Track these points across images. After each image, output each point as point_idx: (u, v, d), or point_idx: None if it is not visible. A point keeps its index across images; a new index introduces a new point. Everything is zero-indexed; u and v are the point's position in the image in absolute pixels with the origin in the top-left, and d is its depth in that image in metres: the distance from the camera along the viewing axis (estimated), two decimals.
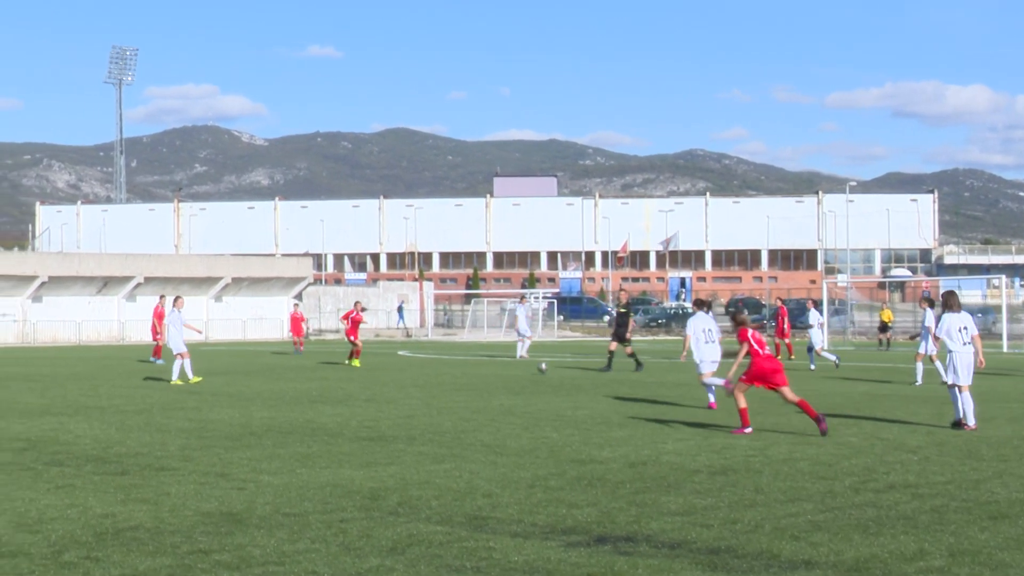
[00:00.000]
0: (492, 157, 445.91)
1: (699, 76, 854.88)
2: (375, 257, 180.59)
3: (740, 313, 19.77)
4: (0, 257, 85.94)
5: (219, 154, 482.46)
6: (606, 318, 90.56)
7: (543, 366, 33.68)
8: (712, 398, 21.79)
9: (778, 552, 9.12)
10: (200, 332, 42.10)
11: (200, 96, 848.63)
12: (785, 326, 41.12)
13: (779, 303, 44.24)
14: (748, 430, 17.56)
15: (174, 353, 29.92)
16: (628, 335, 35.52)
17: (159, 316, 42.45)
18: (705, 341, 21.96)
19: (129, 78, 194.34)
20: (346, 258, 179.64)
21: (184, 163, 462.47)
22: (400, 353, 51.27)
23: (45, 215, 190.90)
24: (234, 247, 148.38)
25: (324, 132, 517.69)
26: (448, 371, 36.02)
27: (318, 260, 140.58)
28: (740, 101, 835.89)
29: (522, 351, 43.70)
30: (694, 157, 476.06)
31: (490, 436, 17.08)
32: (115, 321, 79.65)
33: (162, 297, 44.86)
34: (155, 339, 43.76)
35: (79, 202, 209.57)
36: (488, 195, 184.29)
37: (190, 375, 29.49)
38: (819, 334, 37.20)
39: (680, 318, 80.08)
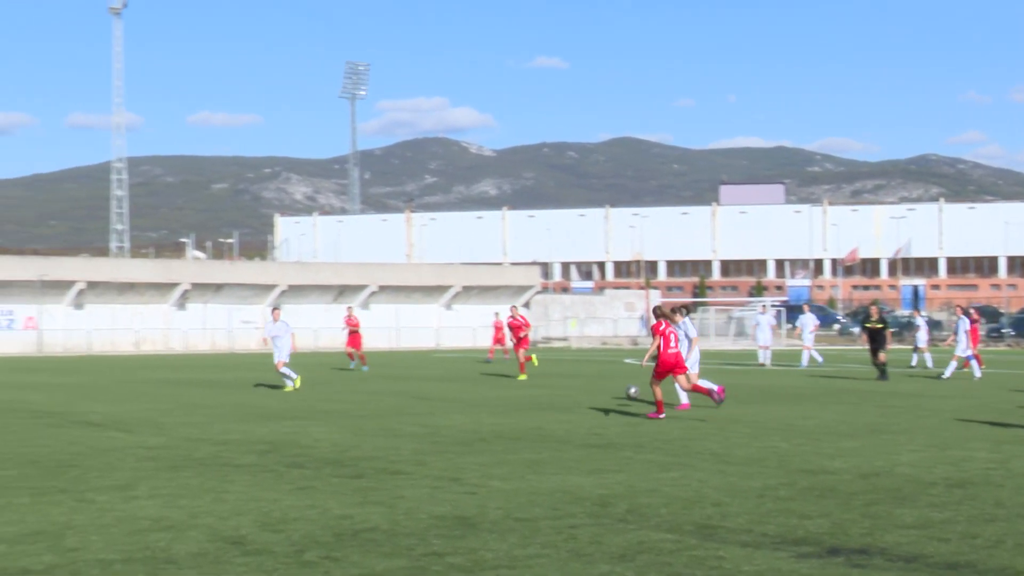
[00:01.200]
0: (718, 165, 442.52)
1: (932, 79, 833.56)
2: (601, 265, 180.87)
3: (659, 308, 22.37)
4: (243, 267, 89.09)
5: (449, 165, 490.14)
6: (835, 326, 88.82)
7: (633, 390, 28.54)
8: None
9: (1021, 569, 8.78)
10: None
11: (430, 109, 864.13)
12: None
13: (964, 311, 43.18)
14: (662, 415, 20.80)
15: (276, 361, 30.79)
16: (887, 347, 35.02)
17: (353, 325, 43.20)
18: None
19: (362, 93, 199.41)
20: (572, 266, 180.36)
21: (415, 174, 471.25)
22: (627, 361, 51.21)
23: (284, 226, 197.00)
24: (463, 256, 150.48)
25: (550, 142, 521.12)
26: None
27: (545, 268, 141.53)
28: (976, 103, 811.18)
29: (764, 358, 43.92)
30: (927, 162, 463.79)
31: (717, 445, 16.91)
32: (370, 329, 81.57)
33: (350, 308, 46.50)
34: (352, 348, 43.93)
35: (316, 213, 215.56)
36: (714, 203, 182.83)
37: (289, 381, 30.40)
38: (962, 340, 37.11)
39: (911, 327, 78.16)
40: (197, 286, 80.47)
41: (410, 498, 11.97)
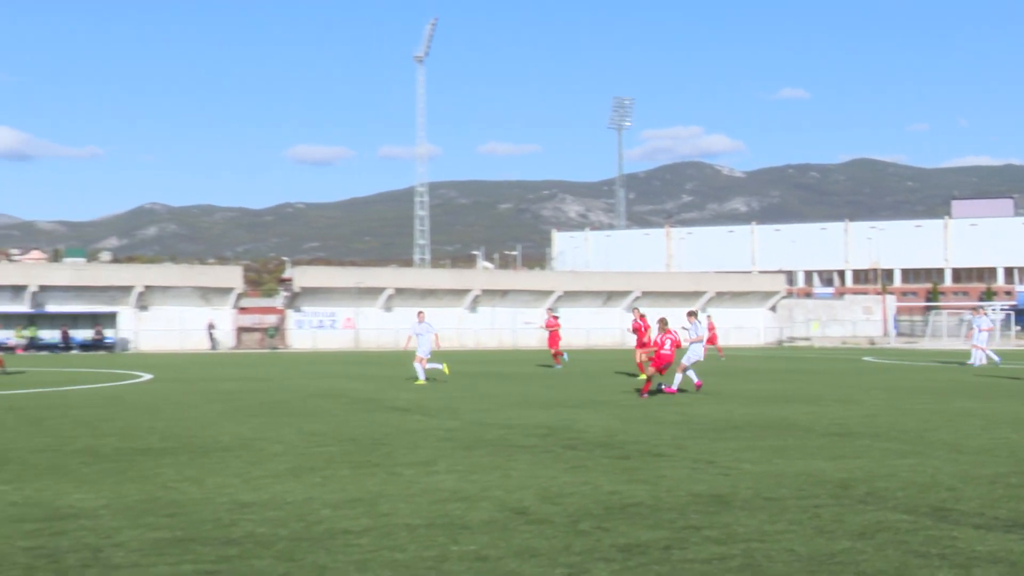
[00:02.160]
0: (950, 182, 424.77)
1: None
2: (841, 273, 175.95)
3: (662, 320, 25.54)
4: (525, 275, 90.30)
5: (703, 185, 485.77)
6: None
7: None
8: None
9: None
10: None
11: (687, 136, 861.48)
12: None
13: None
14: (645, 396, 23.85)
15: (417, 356, 30.54)
16: None
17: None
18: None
19: (627, 123, 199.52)
20: (815, 274, 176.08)
21: (674, 194, 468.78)
22: (865, 359, 49.67)
23: (560, 240, 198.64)
24: (716, 265, 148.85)
25: (795, 164, 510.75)
26: (910, 376, 34.56)
27: (790, 276, 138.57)
28: None
29: (976, 359, 41.69)
30: None
31: (950, 435, 16.22)
32: (617, 329, 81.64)
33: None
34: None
35: (587, 229, 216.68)
36: (946, 217, 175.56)
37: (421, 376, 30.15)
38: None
39: None
40: (486, 292, 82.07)
41: (670, 477, 11.90)
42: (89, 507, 10.02)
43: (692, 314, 28.03)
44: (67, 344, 70.14)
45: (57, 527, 9.11)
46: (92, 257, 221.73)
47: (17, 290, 70.77)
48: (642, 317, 32.75)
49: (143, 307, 73.85)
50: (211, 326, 74.68)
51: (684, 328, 27.35)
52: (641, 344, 31.49)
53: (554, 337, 40.99)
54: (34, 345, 69.66)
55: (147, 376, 34.97)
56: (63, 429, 16.98)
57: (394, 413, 20.18)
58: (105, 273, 77.35)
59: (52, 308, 71.26)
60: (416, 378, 30.08)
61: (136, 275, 76.16)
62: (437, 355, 33.52)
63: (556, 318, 42.35)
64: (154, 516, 9.60)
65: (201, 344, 73.75)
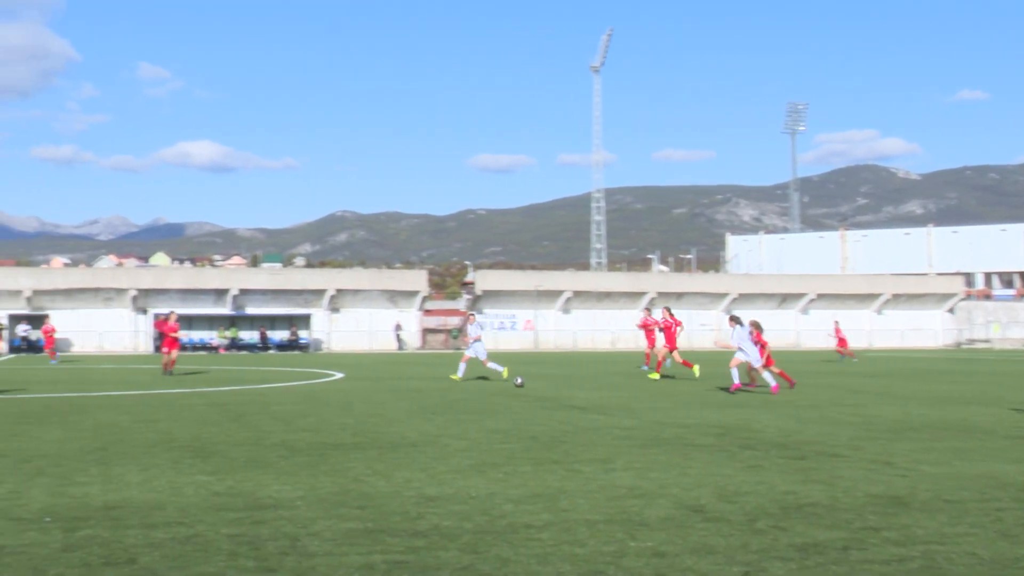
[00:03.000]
0: None
1: None
2: (1022, 275, 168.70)
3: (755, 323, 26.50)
4: (700, 278, 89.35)
5: (878, 188, 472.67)
6: None
7: (519, 380, 29.10)
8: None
9: None
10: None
11: (862, 140, 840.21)
12: None
13: None
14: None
15: (481, 359, 31.00)
16: None
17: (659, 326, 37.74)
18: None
19: (801, 128, 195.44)
20: (994, 276, 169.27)
21: (848, 197, 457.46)
22: None
23: (733, 244, 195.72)
24: (891, 268, 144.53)
25: (972, 166, 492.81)
26: None
27: (968, 278, 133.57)
28: None
29: None
30: None
31: None
32: (791, 331, 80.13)
33: (661, 309, 44.54)
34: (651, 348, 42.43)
35: (761, 232, 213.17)
36: None
37: (459, 373, 30.91)
38: None
39: None
40: (662, 294, 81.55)
41: (847, 478, 11.59)
42: (286, 498, 10.31)
43: (733, 319, 26.61)
44: (265, 344, 72.47)
45: (257, 516, 9.40)
46: (288, 262, 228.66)
47: (220, 294, 73.52)
48: (672, 315, 33.00)
49: (335, 309, 75.79)
50: (398, 327, 76.15)
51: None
52: (671, 340, 31.76)
53: (650, 336, 38.24)
54: (235, 345, 72.21)
55: (339, 375, 35.85)
56: (262, 424, 17.53)
57: (573, 411, 20.19)
58: (299, 277, 79.70)
59: (251, 310, 73.76)
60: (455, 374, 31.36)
61: (328, 279, 78.23)
62: (495, 356, 34.26)
63: (661, 318, 39.15)
64: (346, 508, 9.82)
65: (389, 345, 75.27)
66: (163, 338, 35.20)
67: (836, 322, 52.98)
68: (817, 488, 10.90)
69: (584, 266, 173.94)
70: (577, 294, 79.87)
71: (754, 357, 25.77)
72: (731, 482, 11.30)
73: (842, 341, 48.58)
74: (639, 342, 76.82)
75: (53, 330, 52.71)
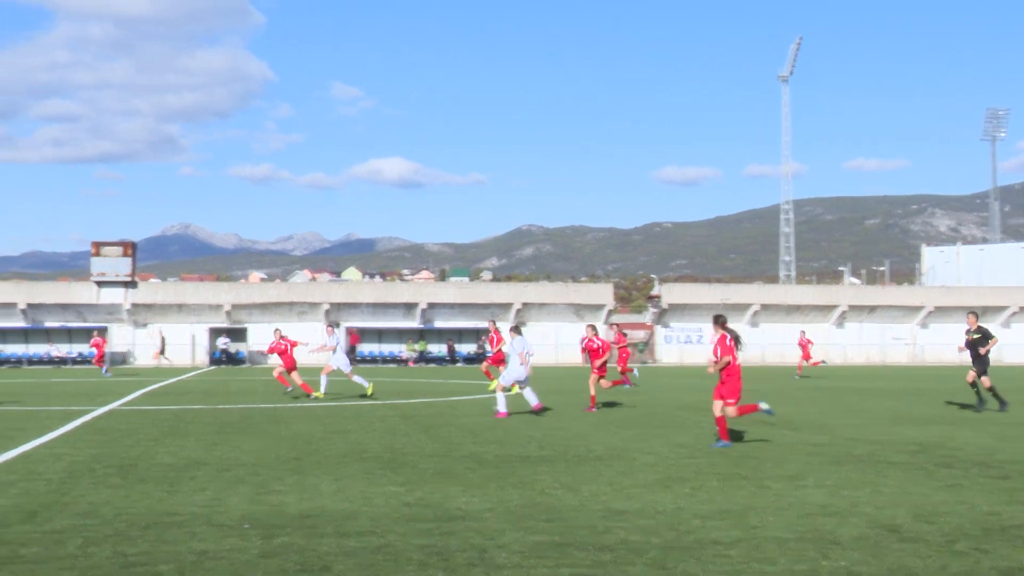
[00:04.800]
0: None
1: None
2: None
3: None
4: (893, 291, 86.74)
5: None
6: None
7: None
8: None
9: None
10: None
11: None
12: None
13: None
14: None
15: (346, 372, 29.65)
16: None
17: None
18: None
19: (1002, 134, 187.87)
20: None
21: None
22: None
23: (929, 255, 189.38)
24: None
25: None
26: None
27: None
28: None
29: None
30: None
31: None
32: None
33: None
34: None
35: (959, 243, 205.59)
36: None
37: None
38: None
39: None
40: (853, 308, 79.55)
41: None
42: (475, 510, 10.44)
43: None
44: (452, 357, 73.61)
45: (446, 527, 9.54)
46: (475, 276, 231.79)
47: (409, 307, 75.05)
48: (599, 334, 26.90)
49: (521, 323, 76.48)
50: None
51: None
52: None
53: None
54: (423, 358, 73.58)
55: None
56: (451, 436, 17.80)
57: (761, 427, 19.84)
58: (486, 291, 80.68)
59: (439, 324, 75.06)
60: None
61: (515, 293, 78.98)
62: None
63: (623, 334, 36.44)
64: (533, 520, 9.88)
65: (574, 358, 75.50)
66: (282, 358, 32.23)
67: (802, 332, 51.57)
68: (1022, 509, 10.43)
69: (772, 279, 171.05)
70: (765, 307, 78.60)
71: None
72: (928, 501, 10.91)
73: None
74: (830, 355, 75.04)
75: (104, 343, 52.83)
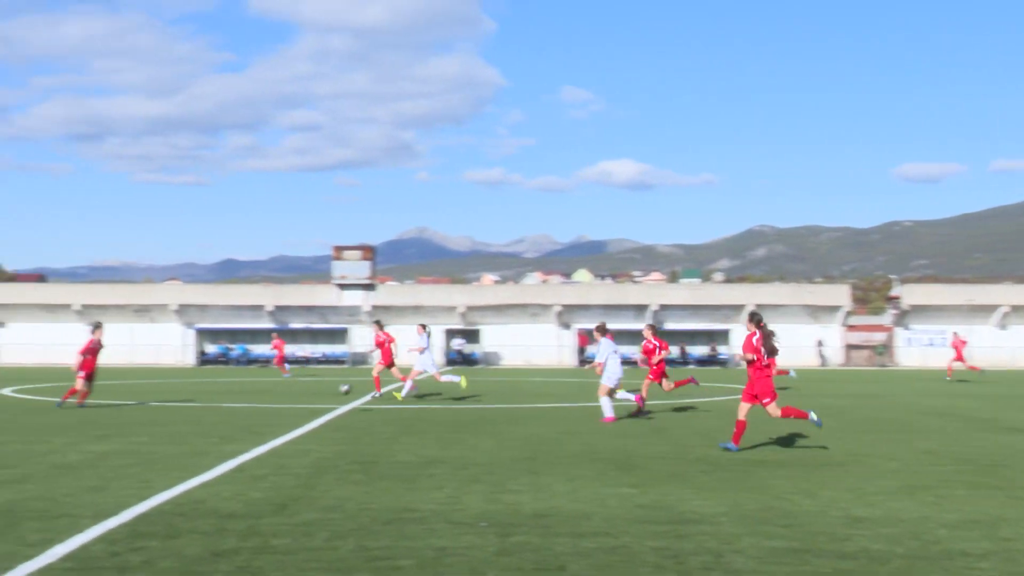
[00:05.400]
0: None
1: None
2: None
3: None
4: None
5: None
6: None
7: (344, 388, 27.64)
8: None
9: None
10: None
11: None
12: None
13: None
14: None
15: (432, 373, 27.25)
16: None
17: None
18: None
19: None
20: None
21: None
22: None
23: None
24: None
25: None
26: None
27: None
28: None
29: None
30: None
31: None
32: None
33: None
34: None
35: None
36: None
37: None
38: None
39: None
40: None
41: None
42: (709, 513, 10.32)
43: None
44: (685, 359, 73.10)
45: (680, 530, 9.47)
46: (706, 278, 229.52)
47: (639, 309, 74.93)
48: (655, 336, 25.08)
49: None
50: (820, 343, 74.51)
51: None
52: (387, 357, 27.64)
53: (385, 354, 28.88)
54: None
55: None
56: (683, 438, 17.66)
57: (1014, 435, 18.89)
58: (718, 293, 79.70)
59: (670, 325, 74.60)
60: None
61: (747, 294, 77.80)
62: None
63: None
64: (771, 526, 9.69)
65: (810, 360, 73.77)
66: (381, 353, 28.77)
67: (955, 333, 46.32)
68: None
69: (1023, 279, 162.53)
70: (1015, 308, 74.83)
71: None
72: None
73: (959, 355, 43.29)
74: None
75: (283, 343, 53.45)
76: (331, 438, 17.47)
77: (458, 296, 77.82)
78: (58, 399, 25.66)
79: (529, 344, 74.90)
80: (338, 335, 75.16)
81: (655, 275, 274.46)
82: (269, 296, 76.91)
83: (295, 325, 75.35)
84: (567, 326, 75.44)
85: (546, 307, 75.39)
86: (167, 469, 13.34)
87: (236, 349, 73.14)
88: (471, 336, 74.77)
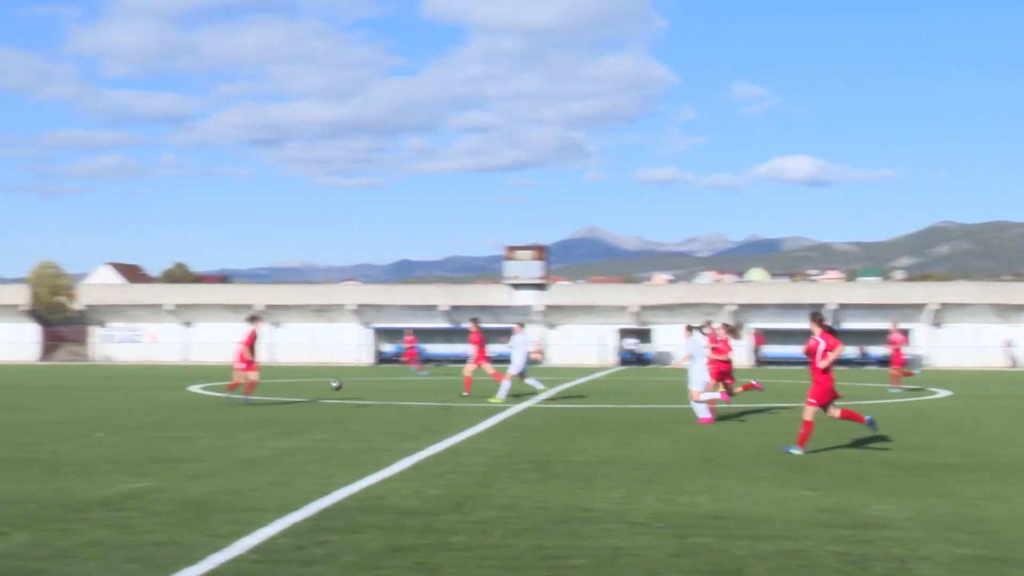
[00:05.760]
0: None
1: None
2: None
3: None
4: None
5: None
6: None
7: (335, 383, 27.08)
8: None
9: None
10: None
11: None
12: None
13: None
14: None
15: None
16: None
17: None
18: None
19: None
20: None
21: None
22: None
23: None
24: None
25: None
26: None
27: None
28: None
29: None
30: None
31: None
32: None
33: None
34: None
35: None
36: None
37: None
38: None
39: None
40: None
41: None
42: (894, 518, 10.02)
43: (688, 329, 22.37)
44: (863, 359, 71.25)
45: (864, 535, 9.21)
46: (886, 276, 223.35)
47: (815, 308, 73.41)
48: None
49: (937, 324, 72.85)
50: (1009, 343, 71.64)
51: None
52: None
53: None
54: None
55: (945, 392, 34.36)
56: (866, 440, 17.20)
57: None
58: (898, 291, 77.43)
59: (848, 325, 72.81)
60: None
61: (930, 293, 75.36)
62: None
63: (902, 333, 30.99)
64: (959, 532, 9.36)
65: (999, 361, 71.02)
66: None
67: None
68: None
69: None
70: None
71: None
72: None
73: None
74: None
75: (415, 341, 53.04)
76: (505, 437, 17.61)
77: (630, 295, 77.57)
78: (228, 395, 25.95)
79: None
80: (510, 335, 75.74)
81: (832, 274, 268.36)
82: (443, 296, 78.08)
83: (467, 325, 76.32)
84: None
85: (719, 306, 74.49)
86: (347, 465, 13.66)
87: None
88: (643, 336, 74.43)
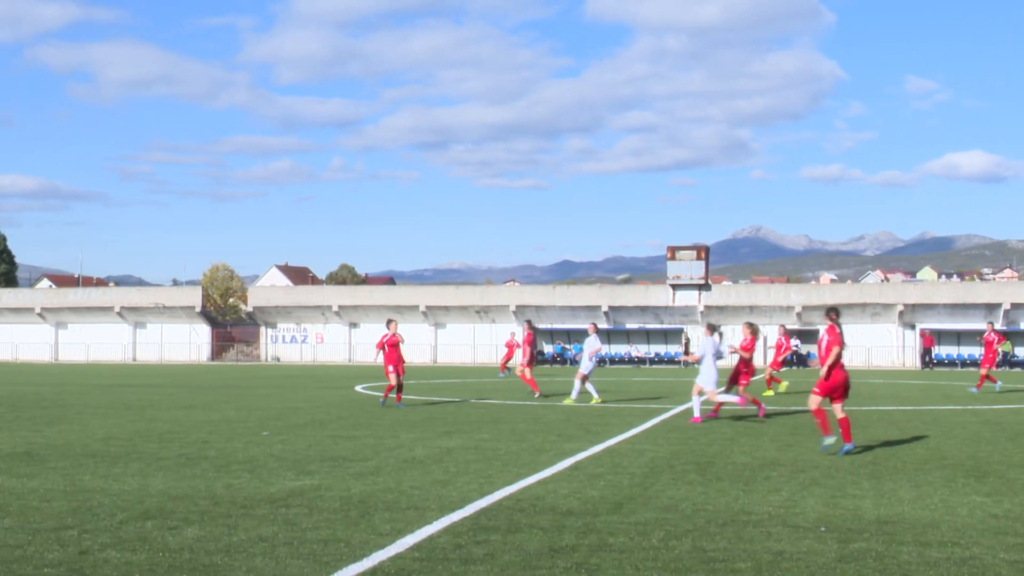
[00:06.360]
0: None
1: None
2: None
3: None
4: None
5: None
6: None
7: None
8: None
9: None
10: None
11: None
12: None
13: None
14: None
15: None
16: None
17: None
18: None
19: None
20: None
21: None
22: None
23: None
24: None
25: None
26: None
27: None
28: None
29: None
30: None
31: None
32: None
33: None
34: None
35: None
36: None
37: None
38: None
39: None
40: None
41: None
42: None
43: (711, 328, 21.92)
44: None
45: None
46: None
47: (990, 308, 70.79)
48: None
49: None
50: None
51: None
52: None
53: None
54: (1007, 361, 69.12)
55: None
56: None
57: None
58: None
59: None
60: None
61: None
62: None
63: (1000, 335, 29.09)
64: None
65: None
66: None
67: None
68: None
69: None
70: None
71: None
72: None
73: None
74: None
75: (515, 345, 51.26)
76: (666, 438, 17.51)
77: (794, 295, 76.14)
78: (385, 398, 26.13)
79: (869, 345, 72.34)
80: (672, 335, 75.28)
81: (1007, 272, 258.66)
82: (604, 297, 77.94)
83: (630, 325, 76.04)
84: (911, 326, 72.36)
85: (888, 307, 72.55)
86: (507, 465, 13.77)
87: (572, 349, 74.57)
88: (808, 336, 72.99)
